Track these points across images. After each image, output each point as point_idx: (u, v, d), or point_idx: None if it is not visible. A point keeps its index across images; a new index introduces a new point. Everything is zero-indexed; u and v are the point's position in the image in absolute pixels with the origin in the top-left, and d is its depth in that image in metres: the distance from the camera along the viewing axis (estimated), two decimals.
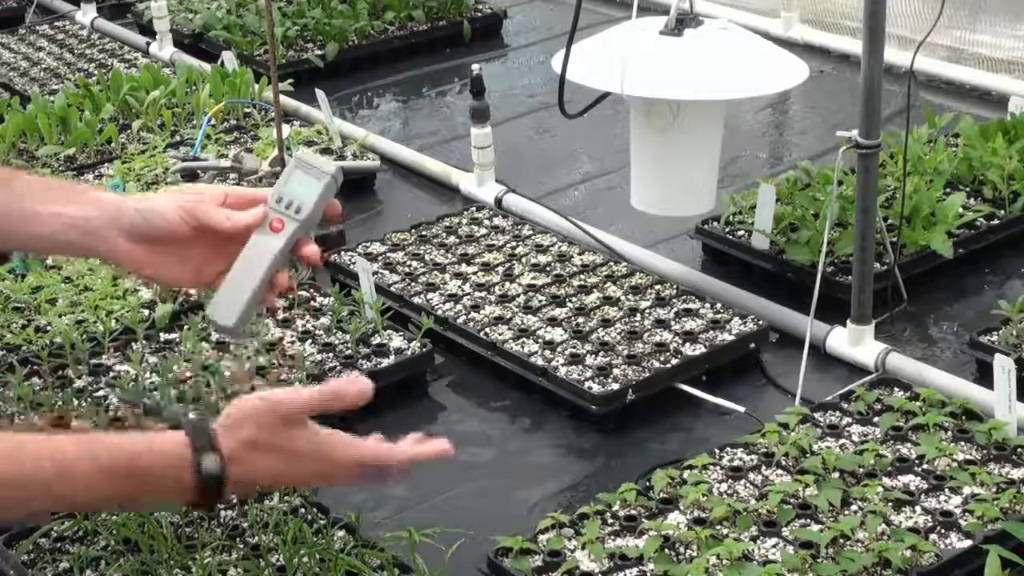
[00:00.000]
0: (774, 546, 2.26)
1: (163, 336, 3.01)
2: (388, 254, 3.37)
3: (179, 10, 5.31)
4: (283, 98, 3.91)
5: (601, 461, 2.68)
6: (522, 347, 2.90)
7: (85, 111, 4.21)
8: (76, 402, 2.74)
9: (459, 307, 3.09)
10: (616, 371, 2.79)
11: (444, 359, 3.01)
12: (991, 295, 3.19)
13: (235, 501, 2.43)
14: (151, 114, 4.25)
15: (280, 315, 3.08)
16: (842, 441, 2.55)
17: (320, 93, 4.06)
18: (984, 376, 2.72)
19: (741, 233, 3.34)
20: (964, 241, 3.26)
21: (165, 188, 1.66)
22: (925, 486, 2.41)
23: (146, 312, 3.07)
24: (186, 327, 2.94)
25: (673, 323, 2.97)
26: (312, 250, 1.66)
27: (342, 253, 3.37)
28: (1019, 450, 2.50)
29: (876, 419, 2.62)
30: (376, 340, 2.95)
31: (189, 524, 2.37)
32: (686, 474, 2.46)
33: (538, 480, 2.63)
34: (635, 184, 3.10)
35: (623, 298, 3.09)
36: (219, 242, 1.63)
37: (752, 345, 2.92)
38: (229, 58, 4.55)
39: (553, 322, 2.99)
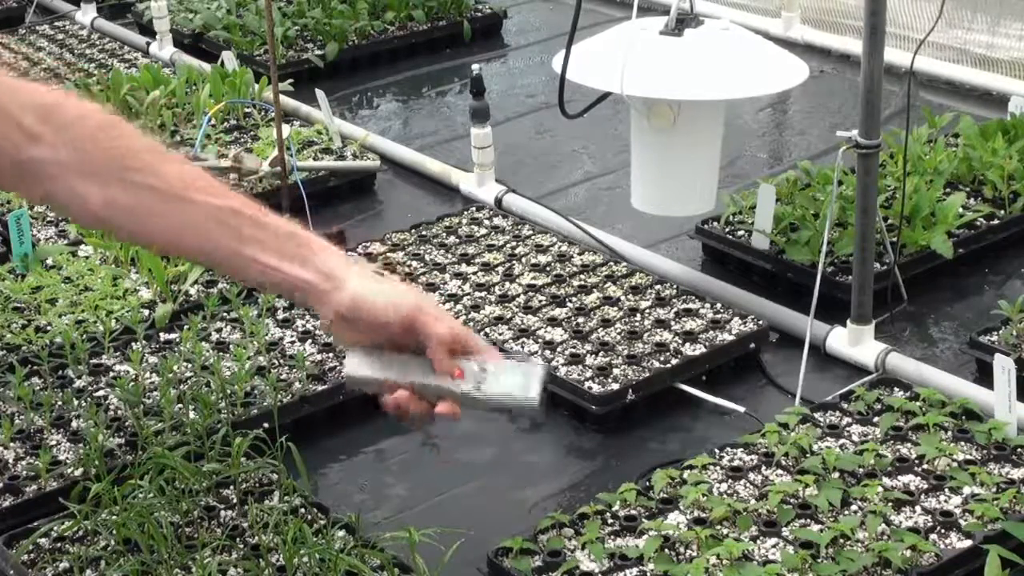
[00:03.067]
0: (774, 546, 2.26)
1: (163, 336, 3.01)
2: (388, 254, 3.36)
3: (179, 10, 5.31)
4: (283, 98, 3.90)
5: (601, 461, 2.68)
6: (522, 347, 2.90)
7: None
8: (76, 402, 2.74)
9: (459, 307, 3.09)
10: (616, 371, 2.79)
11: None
12: (991, 295, 3.19)
13: (234, 501, 2.44)
14: (151, 114, 4.25)
15: (280, 315, 3.08)
16: (842, 441, 2.55)
17: (320, 93, 4.06)
18: (984, 376, 2.72)
19: (741, 233, 3.34)
20: (964, 241, 3.26)
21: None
22: (925, 486, 2.41)
23: (146, 312, 3.07)
24: (186, 327, 2.94)
25: (673, 323, 2.97)
26: (451, 410, 1.68)
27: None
28: (1019, 450, 2.50)
29: (876, 419, 2.62)
30: None
31: (189, 524, 2.37)
32: (686, 474, 2.46)
33: (538, 480, 2.63)
34: (635, 184, 3.10)
35: (623, 298, 3.09)
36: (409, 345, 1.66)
37: (752, 345, 2.92)
38: (229, 58, 4.55)
39: (553, 322, 2.99)
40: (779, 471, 2.47)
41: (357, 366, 1.66)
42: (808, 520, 2.31)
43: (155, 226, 1.58)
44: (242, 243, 1.58)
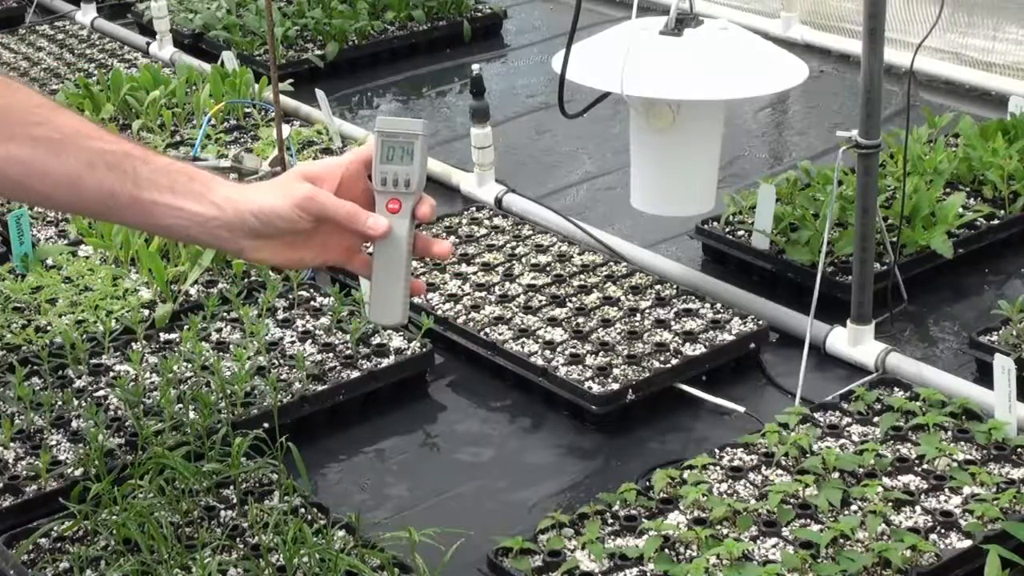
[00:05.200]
0: (774, 546, 2.26)
1: (163, 336, 3.01)
2: None
3: (179, 10, 5.31)
4: (283, 98, 3.90)
5: (601, 461, 2.68)
6: (522, 347, 2.90)
7: (85, 111, 4.21)
8: (76, 402, 2.74)
9: (459, 307, 3.09)
10: (616, 371, 2.79)
11: (444, 359, 3.01)
12: (991, 295, 3.19)
13: (234, 501, 2.44)
14: (151, 114, 4.25)
15: (280, 315, 3.08)
16: (842, 441, 2.55)
17: (320, 93, 4.06)
18: (984, 376, 2.72)
19: (741, 233, 3.34)
20: (964, 241, 3.26)
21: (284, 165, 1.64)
22: (925, 486, 2.41)
23: (146, 312, 3.07)
24: (186, 327, 2.94)
25: (673, 323, 2.97)
26: (428, 206, 1.64)
27: None
28: (1019, 450, 2.50)
29: (876, 419, 2.62)
30: (376, 340, 2.95)
31: (189, 524, 2.37)
32: (686, 474, 2.46)
33: (538, 480, 2.63)
34: (635, 184, 3.10)
35: (623, 298, 3.09)
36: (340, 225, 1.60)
37: (752, 345, 2.92)
38: (229, 58, 4.55)
39: (553, 322, 2.99)
40: (779, 471, 2.47)
41: (386, 314, 1.62)
42: (808, 520, 2.31)
43: (54, 179, 1.55)
44: (139, 188, 1.55)
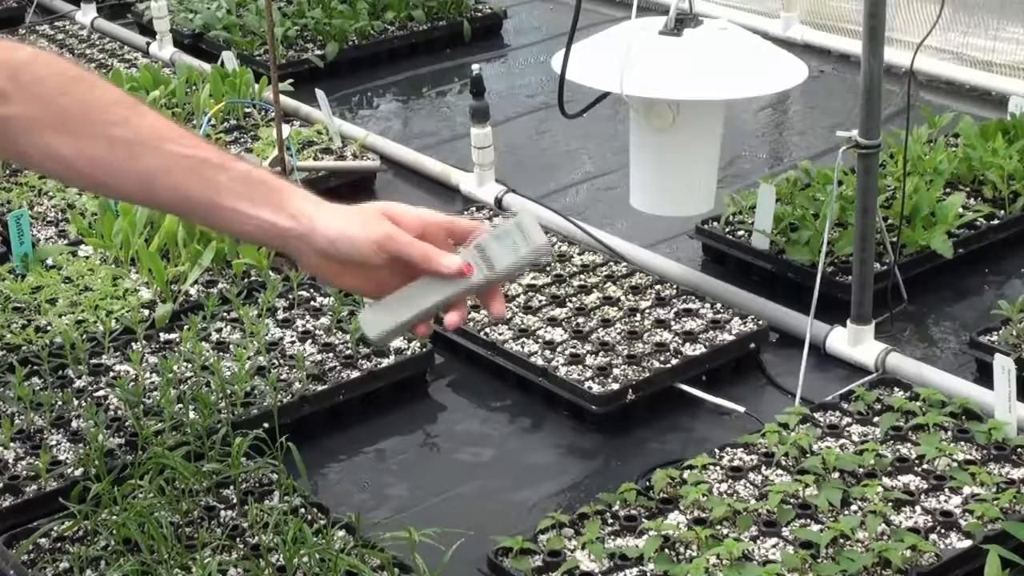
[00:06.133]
0: (774, 546, 2.26)
1: (163, 336, 3.01)
2: None
3: (179, 10, 5.31)
4: (283, 98, 3.91)
5: (601, 461, 2.68)
6: (522, 347, 2.90)
7: None
8: (76, 402, 2.74)
9: None
10: (616, 371, 2.79)
11: (444, 359, 3.01)
12: (991, 295, 3.19)
13: (234, 501, 2.44)
14: None
15: (280, 315, 3.08)
16: (842, 441, 2.55)
17: (320, 93, 4.06)
18: (984, 376, 2.72)
19: (741, 233, 3.34)
20: (964, 241, 3.26)
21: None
22: (925, 486, 2.41)
23: (146, 312, 3.07)
24: (186, 327, 2.94)
25: (673, 323, 2.97)
26: (500, 307, 1.67)
27: None
28: (1019, 450, 2.50)
29: (876, 419, 2.62)
30: None
31: (189, 524, 2.37)
32: (686, 474, 2.46)
33: (538, 480, 2.63)
34: (635, 184, 3.10)
35: (623, 298, 3.09)
36: (408, 266, 1.62)
37: (752, 345, 2.92)
38: (229, 58, 4.55)
39: (553, 322, 2.99)
40: (779, 471, 2.47)
41: (373, 324, 1.62)
42: (808, 520, 2.31)
43: (127, 178, 1.57)
44: (218, 193, 1.56)
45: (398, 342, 2.93)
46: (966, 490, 2.39)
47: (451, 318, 1.63)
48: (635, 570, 2.23)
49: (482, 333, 2.96)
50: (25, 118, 1.52)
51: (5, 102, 1.51)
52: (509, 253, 1.63)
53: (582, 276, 3.21)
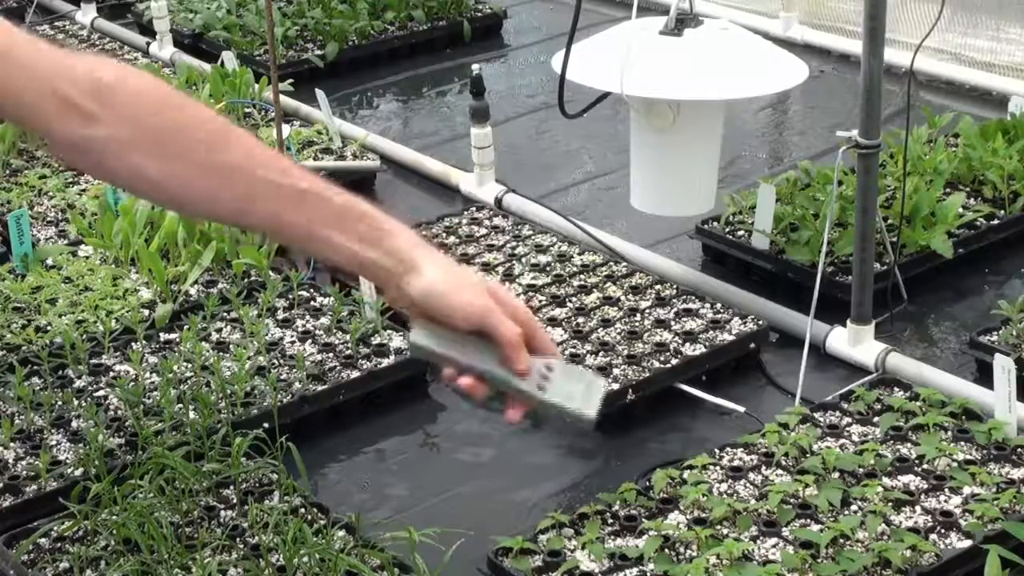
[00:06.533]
0: (774, 546, 2.26)
1: (163, 336, 3.01)
2: None
3: (179, 10, 5.31)
4: (283, 98, 3.91)
5: (601, 461, 2.68)
6: None
7: None
8: (76, 402, 2.74)
9: None
10: (616, 371, 2.79)
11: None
12: (991, 295, 3.19)
13: (234, 501, 2.44)
14: None
15: (280, 315, 3.08)
16: (842, 441, 2.55)
17: (320, 93, 4.06)
18: (984, 376, 2.72)
19: (741, 233, 3.34)
20: (964, 241, 3.26)
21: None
22: (925, 486, 2.41)
23: (146, 312, 3.07)
24: (186, 327, 2.94)
25: (673, 323, 2.97)
26: (517, 415, 1.69)
27: None
28: (1019, 450, 2.50)
29: (876, 419, 2.62)
30: (376, 340, 2.95)
31: (189, 524, 2.37)
32: (686, 474, 2.46)
33: (538, 480, 2.63)
34: (635, 184, 3.10)
35: (623, 298, 3.09)
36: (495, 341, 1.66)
37: (752, 345, 2.92)
38: (229, 58, 4.55)
39: (553, 322, 2.99)
40: (779, 471, 2.47)
41: (424, 336, 1.63)
42: (808, 520, 2.31)
43: (220, 203, 1.57)
44: (311, 223, 1.57)
45: (399, 342, 2.93)
46: (966, 490, 2.39)
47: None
48: (635, 570, 2.23)
49: None
50: (114, 140, 1.50)
51: (93, 123, 1.49)
52: (562, 394, 1.69)
53: (582, 276, 3.21)
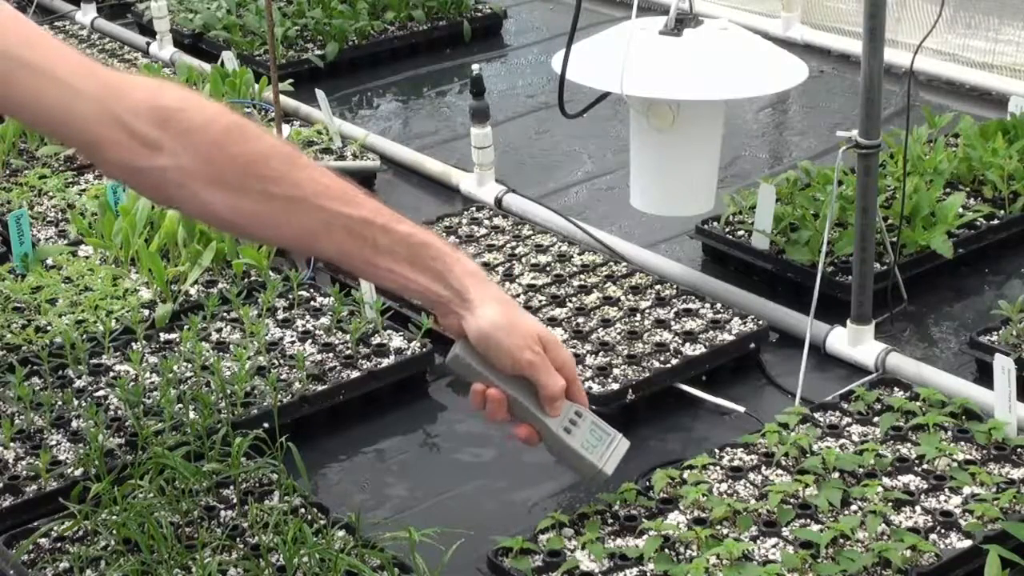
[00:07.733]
0: (774, 546, 2.26)
1: (163, 336, 3.01)
2: None
3: (179, 10, 5.31)
4: (283, 98, 3.91)
5: None
6: None
7: None
8: (76, 402, 2.74)
9: None
10: (616, 371, 2.79)
11: (444, 359, 3.00)
12: (991, 295, 3.19)
13: (234, 501, 2.44)
14: None
15: (280, 315, 3.08)
16: (842, 441, 2.55)
17: (320, 93, 4.06)
18: (984, 376, 2.72)
19: (741, 233, 3.34)
20: (964, 241, 3.26)
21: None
22: (925, 486, 2.41)
23: (146, 312, 3.07)
24: (186, 327, 2.94)
25: (673, 323, 2.97)
26: (525, 435, 1.79)
27: None
28: (1019, 450, 2.50)
29: (876, 419, 2.62)
30: (376, 340, 2.95)
31: (189, 524, 2.37)
32: (686, 474, 2.46)
33: (538, 480, 2.62)
34: (635, 184, 3.10)
35: (623, 298, 3.09)
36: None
37: (752, 345, 2.92)
38: (229, 58, 4.55)
39: (553, 322, 2.99)
40: (779, 471, 2.47)
41: (469, 354, 1.71)
42: (808, 520, 2.31)
43: (285, 233, 1.58)
44: (376, 253, 1.58)
45: (399, 342, 2.93)
46: (966, 490, 2.39)
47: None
48: (635, 570, 2.23)
49: None
50: (177, 170, 1.48)
51: (156, 153, 1.47)
52: (583, 443, 1.78)
53: (582, 276, 3.21)
